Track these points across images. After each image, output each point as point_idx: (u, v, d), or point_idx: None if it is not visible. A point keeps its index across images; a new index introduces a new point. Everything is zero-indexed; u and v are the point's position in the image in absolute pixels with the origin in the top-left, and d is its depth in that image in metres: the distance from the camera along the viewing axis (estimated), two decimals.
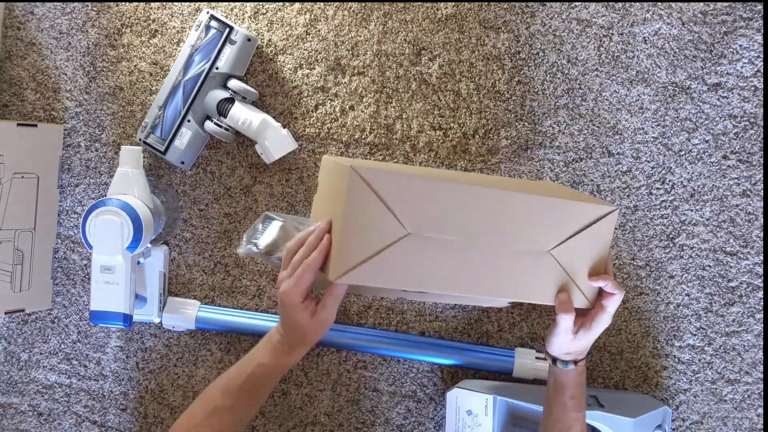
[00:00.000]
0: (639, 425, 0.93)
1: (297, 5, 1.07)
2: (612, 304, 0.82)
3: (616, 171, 1.04)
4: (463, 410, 0.97)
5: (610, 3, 1.02)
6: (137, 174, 1.00)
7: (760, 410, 1.04)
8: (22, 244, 1.08)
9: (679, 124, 1.02)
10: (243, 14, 1.08)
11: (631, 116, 1.03)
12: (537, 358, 1.04)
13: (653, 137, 1.03)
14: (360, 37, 1.06)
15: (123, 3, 1.10)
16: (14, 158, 1.05)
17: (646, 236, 1.04)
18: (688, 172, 1.03)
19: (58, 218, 1.13)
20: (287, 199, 1.08)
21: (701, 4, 1.01)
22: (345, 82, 1.07)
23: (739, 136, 1.02)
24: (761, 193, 1.02)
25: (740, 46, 1.01)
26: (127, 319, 0.97)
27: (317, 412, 1.10)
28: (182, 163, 1.06)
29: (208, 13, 1.03)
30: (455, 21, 1.05)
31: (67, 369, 1.15)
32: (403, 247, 0.74)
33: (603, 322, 0.83)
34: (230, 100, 1.02)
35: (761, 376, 1.03)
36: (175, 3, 1.09)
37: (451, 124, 1.06)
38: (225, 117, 1.02)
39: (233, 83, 1.02)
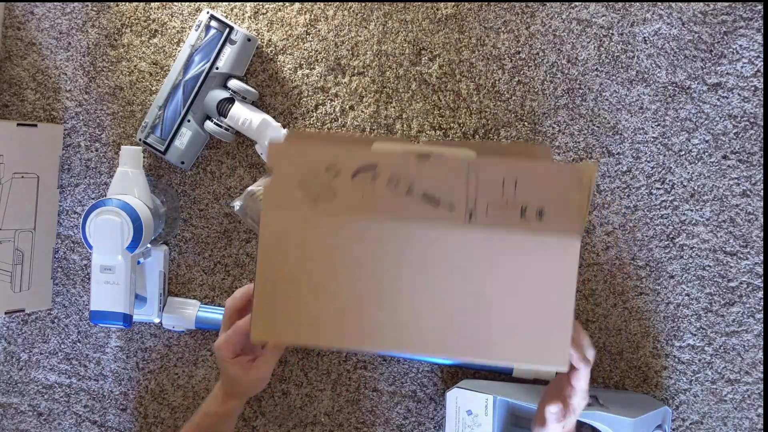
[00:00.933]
0: (639, 425, 0.93)
1: (297, 5, 1.07)
2: (580, 381, 0.75)
3: (616, 171, 1.04)
4: (463, 410, 0.97)
5: (610, 3, 1.02)
6: (137, 174, 1.00)
7: (760, 410, 1.04)
8: (22, 244, 1.08)
9: (679, 124, 1.02)
10: (243, 14, 1.08)
11: (631, 116, 1.03)
12: None
13: (653, 137, 1.03)
14: (360, 37, 1.06)
15: (123, 3, 1.10)
16: (14, 158, 1.05)
17: (646, 236, 1.04)
18: (688, 172, 1.03)
19: (58, 218, 1.13)
20: None
21: (701, 4, 1.01)
22: (345, 82, 1.07)
23: (739, 136, 1.02)
24: (761, 193, 1.02)
25: (740, 46, 1.01)
26: (127, 319, 0.97)
27: (317, 412, 1.10)
28: (182, 163, 1.06)
29: (208, 13, 1.03)
30: (455, 21, 1.05)
31: (67, 369, 1.15)
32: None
33: (581, 401, 0.78)
34: (230, 100, 1.02)
35: (761, 376, 1.03)
36: (175, 3, 1.09)
37: (451, 124, 1.06)
38: (225, 117, 1.02)
39: (233, 83, 1.02)
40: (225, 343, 0.81)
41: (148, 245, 1.03)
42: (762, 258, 1.02)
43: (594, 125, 1.04)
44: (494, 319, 0.67)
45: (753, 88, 1.01)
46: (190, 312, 1.09)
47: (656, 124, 1.03)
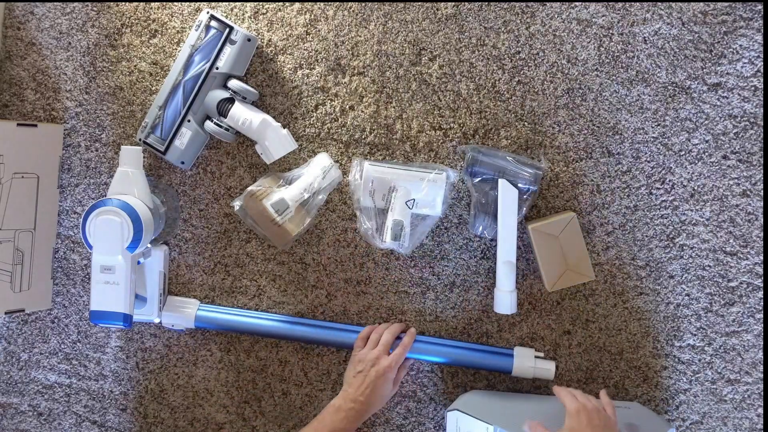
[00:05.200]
0: None
1: (297, 5, 1.07)
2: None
3: (616, 171, 1.04)
4: None
5: (610, 3, 1.02)
6: (137, 174, 1.00)
7: (760, 410, 1.04)
8: (22, 244, 1.08)
9: (679, 124, 1.02)
10: (243, 14, 1.08)
11: (631, 116, 1.03)
12: (536, 357, 1.04)
13: (653, 137, 1.03)
14: (360, 37, 1.06)
15: (123, 3, 1.10)
16: (14, 158, 1.05)
17: (646, 236, 1.04)
18: (688, 172, 1.03)
19: (58, 218, 1.13)
20: None
21: (701, 4, 1.01)
22: (345, 82, 1.07)
23: (739, 136, 1.02)
24: (761, 193, 1.02)
25: (740, 46, 1.01)
26: (127, 319, 0.97)
27: (317, 412, 1.10)
28: (182, 163, 1.06)
29: (208, 13, 1.03)
30: (455, 21, 1.05)
31: (67, 369, 1.15)
32: None
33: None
34: (230, 100, 1.02)
35: (761, 376, 1.03)
36: (175, 3, 1.09)
37: (451, 124, 1.06)
38: (225, 117, 1.02)
39: (233, 83, 1.02)
40: (397, 362, 0.99)
41: (148, 245, 1.02)
42: (762, 258, 1.02)
43: (594, 125, 1.04)
44: None
45: (753, 88, 1.01)
46: (189, 311, 1.09)
47: (656, 124, 1.03)
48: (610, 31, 1.03)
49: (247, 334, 1.10)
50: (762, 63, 1.00)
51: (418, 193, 1.02)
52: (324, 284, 1.09)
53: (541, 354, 1.04)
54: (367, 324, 1.08)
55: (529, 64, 1.04)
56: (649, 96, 1.03)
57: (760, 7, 1.00)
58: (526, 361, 1.02)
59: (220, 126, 1.03)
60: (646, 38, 1.02)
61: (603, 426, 0.83)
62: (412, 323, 1.08)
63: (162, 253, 1.09)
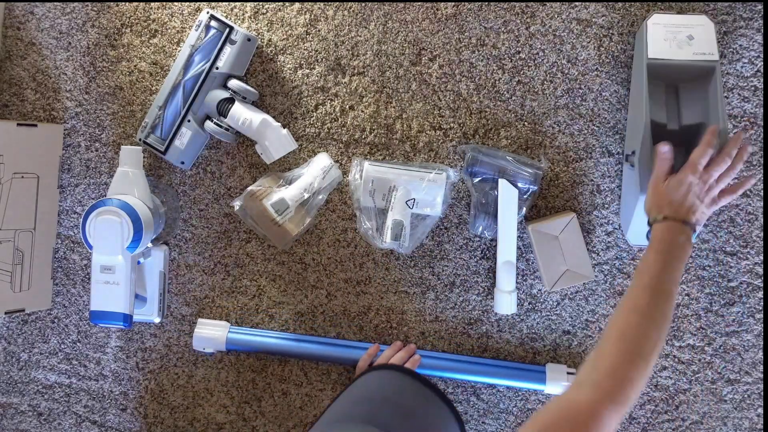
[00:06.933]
0: None
1: (297, 5, 1.07)
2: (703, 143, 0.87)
3: (616, 171, 1.04)
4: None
5: (610, 3, 1.02)
6: (137, 174, 1.00)
7: (760, 410, 1.04)
8: (22, 244, 1.08)
9: None
10: (243, 14, 1.08)
11: None
12: (569, 373, 1.03)
13: None
14: (360, 37, 1.06)
15: (123, 3, 1.10)
16: (14, 158, 1.05)
17: None
18: None
19: (58, 218, 1.13)
20: None
21: (701, 3, 1.01)
22: (345, 82, 1.07)
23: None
24: (761, 193, 1.02)
25: (740, 46, 1.01)
26: (127, 319, 0.97)
27: (317, 412, 1.10)
28: (182, 163, 1.06)
29: (208, 13, 1.03)
30: (455, 21, 1.05)
31: (67, 369, 1.15)
32: None
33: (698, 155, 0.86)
34: (230, 100, 1.02)
35: (761, 376, 1.03)
36: (175, 3, 1.09)
37: (451, 124, 1.06)
38: (225, 117, 1.02)
39: (233, 83, 1.02)
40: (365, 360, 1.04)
41: (148, 245, 1.03)
42: (762, 258, 1.02)
43: (594, 125, 1.04)
44: None
45: (753, 88, 1.01)
46: (220, 334, 1.08)
47: None
48: (610, 31, 1.03)
49: (278, 356, 1.09)
50: (762, 63, 1.00)
51: (418, 193, 1.02)
52: (324, 284, 1.09)
53: (573, 370, 1.04)
54: (369, 327, 1.08)
55: (529, 64, 1.04)
56: None
57: (760, 7, 1.00)
58: (559, 378, 1.02)
59: (220, 126, 1.03)
60: None
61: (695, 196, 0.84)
62: (412, 323, 1.08)
63: (162, 253, 1.09)
